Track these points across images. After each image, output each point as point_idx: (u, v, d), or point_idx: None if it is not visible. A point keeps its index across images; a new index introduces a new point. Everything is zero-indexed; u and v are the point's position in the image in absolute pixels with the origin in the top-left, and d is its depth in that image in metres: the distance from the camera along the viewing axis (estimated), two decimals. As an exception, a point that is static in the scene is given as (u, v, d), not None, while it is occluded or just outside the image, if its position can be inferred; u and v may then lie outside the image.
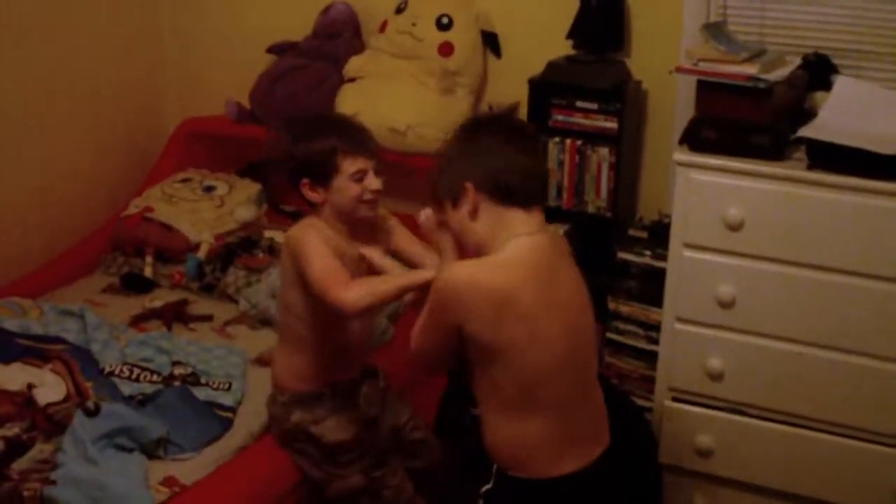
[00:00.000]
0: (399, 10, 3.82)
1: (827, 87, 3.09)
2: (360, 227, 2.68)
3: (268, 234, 3.81)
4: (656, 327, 3.29)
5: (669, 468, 3.27)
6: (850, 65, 3.26)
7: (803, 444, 3.05)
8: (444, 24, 3.71)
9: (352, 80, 3.83)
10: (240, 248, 3.76)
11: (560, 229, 3.32)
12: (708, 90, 2.99)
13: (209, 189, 4.01)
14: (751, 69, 2.92)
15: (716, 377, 3.08)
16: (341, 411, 2.73)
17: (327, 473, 2.72)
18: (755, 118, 2.93)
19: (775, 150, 2.93)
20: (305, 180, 2.61)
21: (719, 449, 3.14)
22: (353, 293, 2.41)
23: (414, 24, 3.75)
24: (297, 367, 2.72)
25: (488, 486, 2.41)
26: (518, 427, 2.33)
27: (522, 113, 3.57)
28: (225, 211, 3.93)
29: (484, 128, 2.39)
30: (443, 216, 2.39)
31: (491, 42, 3.78)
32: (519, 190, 2.30)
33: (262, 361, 3.14)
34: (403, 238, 2.81)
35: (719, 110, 2.96)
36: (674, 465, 3.25)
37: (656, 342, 3.27)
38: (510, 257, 2.26)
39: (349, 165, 2.58)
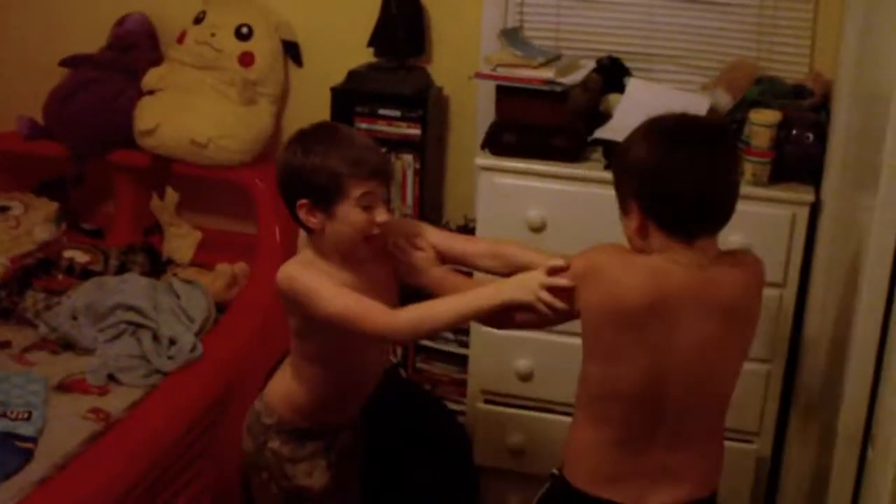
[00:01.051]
0: (197, 21, 3.75)
1: (620, 89, 3.19)
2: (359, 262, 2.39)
3: (67, 254, 3.68)
4: (466, 331, 3.32)
5: (484, 469, 3.30)
6: (641, 67, 3.37)
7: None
8: (243, 34, 3.66)
9: (151, 92, 3.73)
10: (38, 269, 3.61)
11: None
12: (507, 95, 3.05)
13: (3, 209, 3.84)
14: (547, 73, 2.99)
15: (525, 377, 3.14)
16: (319, 456, 2.54)
17: None
18: (553, 121, 3.01)
19: (573, 151, 3.01)
20: (304, 201, 2.28)
21: (531, 447, 3.20)
22: (393, 327, 2.24)
23: (213, 35, 3.68)
24: (295, 397, 2.50)
25: (546, 488, 2.34)
26: (586, 432, 2.19)
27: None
28: (21, 232, 3.77)
29: (674, 138, 2.05)
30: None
31: (292, 51, 3.75)
32: (688, 221, 2.04)
33: (65, 387, 3.02)
34: (439, 237, 2.50)
35: (518, 114, 3.02)
36: (488, 466, 3.29)
37: (466, 346, 3.30)
38: (639, 270, 2.06)
39: (356, 189, 2.26)
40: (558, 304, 2.13)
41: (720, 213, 2.04)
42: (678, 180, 2.00)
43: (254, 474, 2.59)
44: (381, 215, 2.29)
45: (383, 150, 3.44)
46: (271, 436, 2.52)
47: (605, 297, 2.06)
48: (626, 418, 2.12)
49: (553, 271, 2.14)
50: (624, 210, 2.11)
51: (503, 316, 2.22)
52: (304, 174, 2.26)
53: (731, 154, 2.21)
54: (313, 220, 2.29)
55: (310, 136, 2.32)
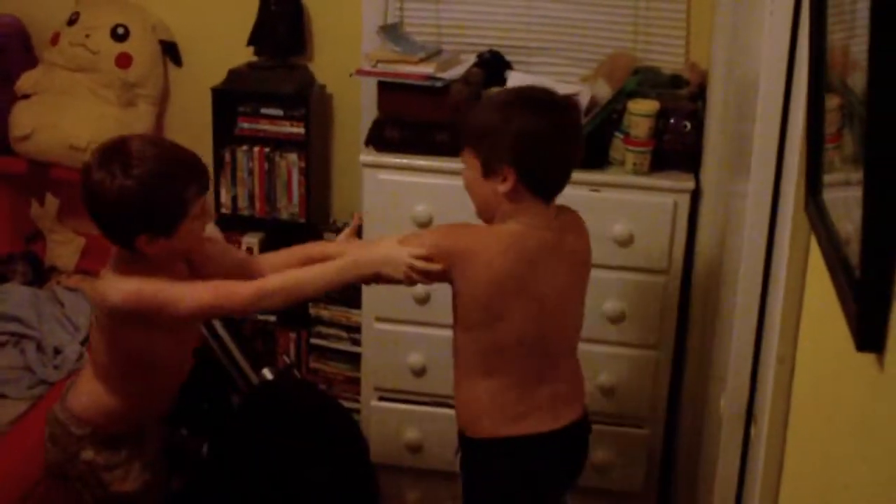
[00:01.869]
0: (71, 22, 3.66)
1: (502, 82, 3.21)
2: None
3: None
4: (358, 329, 3.32)
5: (382, 467, 3.30)
6: (522, 60, 3.39)
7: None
8: (119, 35, 3.58)
9: (26, 96, 3.64)
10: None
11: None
12: (388, 91, 3.05)
13: None
14: (427, 69, 2.99)
15: (418, 372, 3.15)
16: (134, 458, 2.47)
17: None
18: (435, 116, 3.01)
19: (456, 146, 3.01)
20: (143, 237, 2.17)
21: (427, 442, 3.21)
22: (259, 294, 2.23)
23: (88, 36, 3.60)
24: (109, 405, 2.41)
25: (459, 455, 2.44)
26: (480, 383, 2.33)
27: (206, 122, 3.51)
28: None
29: (543, 110, 2.24)
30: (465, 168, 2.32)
31: (170, 52, 3.69)
32: (552, 183, 2.28)
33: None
34: (221, 250, 2.54)
35: (400, 110, 3.03)
36: (386, 464, 3.29)
37: (359, 343, 3.30)
38: (498, 239, 2.25)
39: (196, 206, 2.21)
40: (427, 280, 2.28)
41: (570, 175, 2.30)
42: (555, 147, 2.24)
43: (61, 485, 2.51)
44: (209, 220, 2.31)
45: (266, 149, 3.47)
46: (84, 446, 2.43)
47: (482, 271, 2.23)
48: (514, 364, 2.31)
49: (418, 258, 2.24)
50: (491, 174, 2.24)
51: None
52: (144, 208, 2.14)
53: (580, 125, 2.49)
54: (153, 248, 2.20)
55: (134, 161, 2.14)
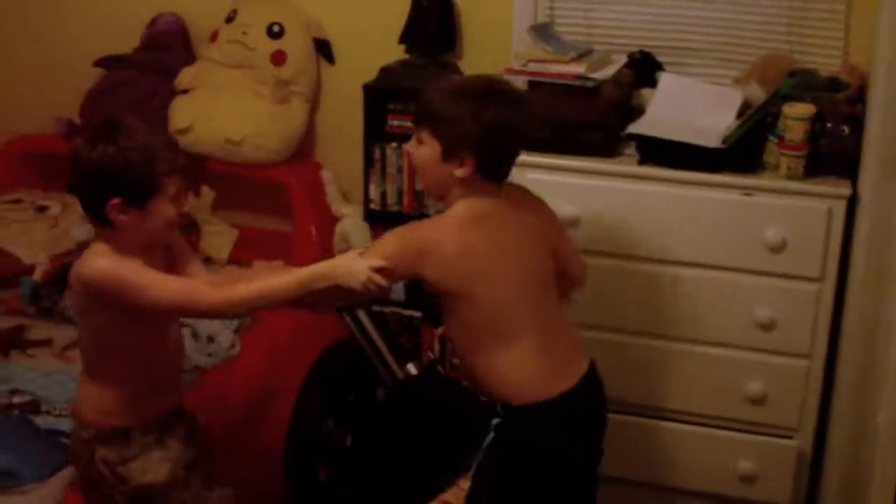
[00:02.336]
0: (229, 20, 3.77)
1: (653, 83, 3.18)
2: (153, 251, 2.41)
3: (104, 253, 3.72)
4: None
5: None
6: (673, 61, 3.35)
7: (650, 433, 3.14)
8: (275, 33, 3.67)
9: (184, 91, 3.76)
10: (76, 268, 3.65)
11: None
12: (538, 90, 3.04)
13: (42, 209, 3.89)
14: (578, 68, 2.98)
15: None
16: (151, 450, 2.46)
17: None
18: (585, 116, 3.00)
19: (606, 146, 3.01)
20: (116, 200, 2.23)
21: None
22: (224, 301, 2.29)
23: (245, 33, 3.70)
24: (105, 401, 2.43)
25: (498, 420, 2.51)
26: (502, 358, 2.47)
27: (357, 119, 3.56)
28: (59, 231, 3.82)
29: (511, 107, 2.43)
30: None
31: (324, 49, 3.76)
32: (506, 169, 2.50)
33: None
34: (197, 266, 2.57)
35: (550, 110, 3.01)
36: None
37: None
38: (456, 222, 2.44)
39: (171, 186, 2.28)
40: (385, 284, 2.38)
41: (516, 155, 2.51)
42: (514, 141, 2.47)
43: (95, 495, 2.50)
44: (183, 206, 2.35)
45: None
46: (95, 447, 2.43)
47: (450, 251, 2.39)
48: (519, 327, 2.46)
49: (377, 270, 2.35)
50: (450, 158, 2.40)
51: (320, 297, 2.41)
52: (120, 172, 2.22)
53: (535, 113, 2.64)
54: (123, 218, 2.25)
55: (116, 133, 2.25)
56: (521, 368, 2.48)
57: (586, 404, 2.56)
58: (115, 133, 2.24)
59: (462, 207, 2.45)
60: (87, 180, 2.27)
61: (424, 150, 2.45)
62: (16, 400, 2.94)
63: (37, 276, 3.60)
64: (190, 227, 3.89)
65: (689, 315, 3.00)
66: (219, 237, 3.82)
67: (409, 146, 2.53)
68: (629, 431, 3.12)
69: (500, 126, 2.39)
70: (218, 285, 2.34)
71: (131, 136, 2.24)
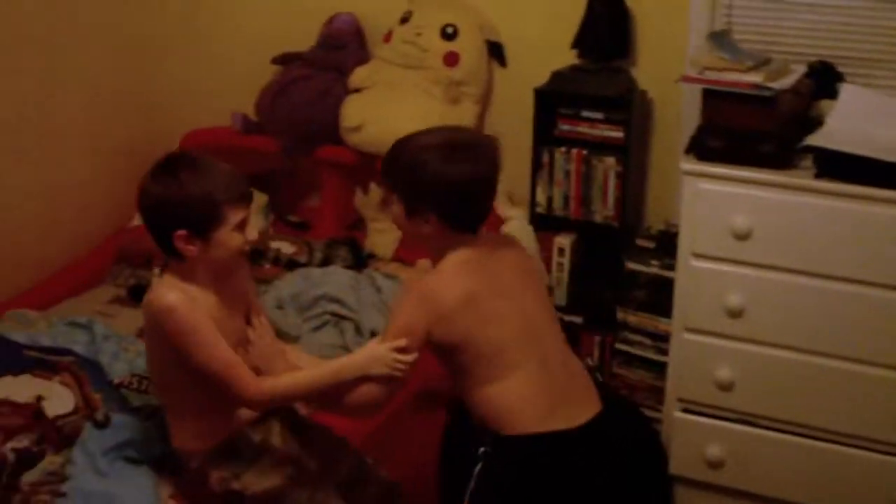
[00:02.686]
0: (404, 20, 3.82)
1: (833, 95, 3.09)
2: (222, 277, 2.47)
3: (274, 244, 3.81)
4: (665, 337, 3.30)
5: (679, 480, 3.25)
6: (855, 72, 3.25)
7: (813, 454, 3.04)
8: (448, 34, 3.70)
9: (357, 90, 3.82)
10: (246, 258, 3.74)
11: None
12: (714, 99, 2.98)
13: (216, 201, 4.00)
14: (756, 77, 2.91)
15: (725, 387, 3.07)
16: (260, 458, 2.46)
17: None
18: (761, 126, 2.92)
19: (782, 158, 2.93)
20: (181, 232, 2.31)
21: (730, 460, 3.13)
22: (261, 397, 2.40)
23: (419, 34, 3.74)
24: (199, 429, 2.47)
25: (486, 448, 2.51)
26: (498, 389, 2.49)
27: (527, 122, 3.57)
28: (231, 222, 3.91)
29: (457, 156, 2.46)
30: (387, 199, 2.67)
31: (496, 52, 3.77)
32: (475, 220, 2.54)
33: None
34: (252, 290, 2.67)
35: (725, 119, 2.96)
36: (684, 477, 3.24)
37: (665, 352, 3.27)
38: (452, 269, 2.50)
39: (234, 216, 2.34)
40: (410, 365, 2.45)
41: (487, 203, 2.56)
42: (470, 192, 2.48)
43: None
44: (251, 234, 2.42)
45: (584, 152, 3.48)
46: (206, 471, 2.44)
47: (461, 306, 2.46)
48: (518, 362, 2.49)
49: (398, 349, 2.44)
50: (413, 215, 2.48)
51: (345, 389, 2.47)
52: (181, 205, 2.30)
53: (497, 161, 2.66)
54: (189, 249, 2.32)
55: (178, 166, 2.35)
56: (516, 399, 2.49)
57: (582, 449, 2.54)
58: (176, 167, 2.34)
59: (451, 258, 2.50)
60: (152, 213, 2.36)
61: (393, 208, 2.55)
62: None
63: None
64: (357, 224, 3.96)
65: (862, 336, 2.90)
66: (384, 235, 3.87)
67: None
68: (793, 450, 3.04)
69: (457, 183, 2.43)
70: (260, 380, 2.41)
71: (191, 169, 2.33)
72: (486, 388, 2.50)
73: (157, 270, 3.68)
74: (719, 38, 3.12)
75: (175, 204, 2.31)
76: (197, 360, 2.33)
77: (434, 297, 2.47)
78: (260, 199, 4.03)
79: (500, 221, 3.65)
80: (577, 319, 3.62)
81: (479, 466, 2.52)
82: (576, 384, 2.62)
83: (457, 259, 2.50)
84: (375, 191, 3.88)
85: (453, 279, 2.49)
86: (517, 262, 2.64)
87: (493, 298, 2.50)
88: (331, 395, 2.48)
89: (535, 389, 2.50)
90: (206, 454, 2.45)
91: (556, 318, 2.70)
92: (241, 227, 2.38)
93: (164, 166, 2.37)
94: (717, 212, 2.93)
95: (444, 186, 2.43)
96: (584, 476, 2.55)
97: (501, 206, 3.67)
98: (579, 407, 2.56)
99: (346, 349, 3.24)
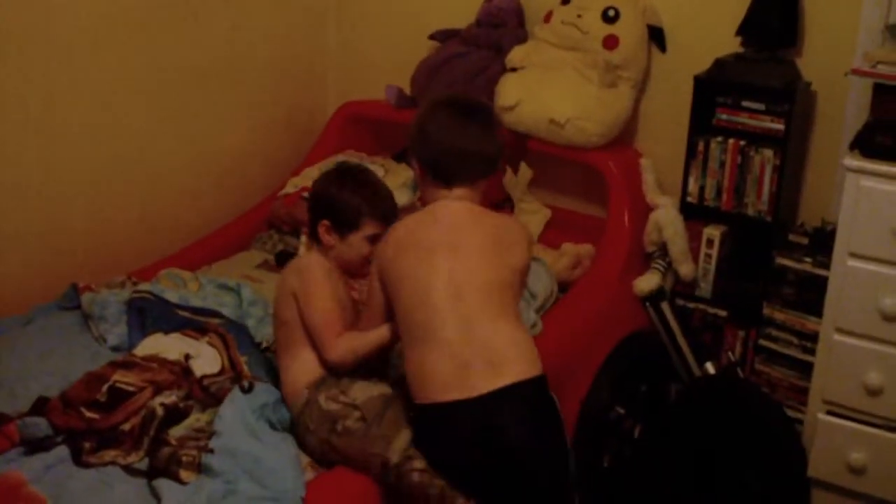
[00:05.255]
0: (565, 1, 3.79)
1: None
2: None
3: (420, 220, 3.83)
4: (812, 337, 3.22)
5: (818, 483, 3.17)
6: None
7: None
8: (610, 17, 3.66)
9: (514, 69, 3.81)
10: (393, 232, 3.79)
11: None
12: (885, 94, 2.89)
13: (366, 172, 4.04)
14: (932, 74, 2.81)
15: (874, 392, 2.98)
16: (365, 376, 2.71)
17: (376, 438, 2.53)
18: (937, 125, 2.82)
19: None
20: (326, 222, 2.79)
21: (873, 467, 3.04)
22: (339, 351, 2.67)
23: (579, 16, 3.71)
24: (308, 366, 2.71)
25: (412, 414, 2.58)
26: (413, 356, 2.53)
27: (684, 109, 3.51)
28: (380, 195, 3.96)
29: (441, 110, 2.68)
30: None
31: (656, 36, 3.71)
32: (452, 173, 2.65)
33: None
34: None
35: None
36: (823, 481, 3.16)
37: (811, 352, 3.20)
38: (412, 215, 2.72)
39: (369, 228, 2.78)
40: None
41: (471, 167, 2.66)
42: (447, 141, 2.63)
43: (334, 442, 2.59)
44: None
45: (741, 142, 3.41)
46: (315, 397, 2.65)
47: (383, 247, 2.65)
48: (435, 328, 2.50)
49: None
50: (410, 162, 2.77)
51: None
52: (335, 203, 2.78)
53: (487, 124, 2.73)
54: (327, 238, 2.79)
55: (347, 175, 2.85)
56: (424, 368, 2.49)
57: (482, 416, 2.44)
58: (346, 174, 2.86)
59: (427, 208, 2.70)
60: (313, 200, 2.87)
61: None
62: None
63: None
64: (503, 203, 3.96)
65: None
66: (532, 216, 3.86)
67: None
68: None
69: (430, 128, 2.65)
70: (347, 338, 2.70)
71: (354, 180, 2.82)
72: (408, 354, 2.55)
73: (303, 238, 3.76)
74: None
75: (330, 201, 2.80)
76: (307, 310, 2.71)
77: (387, 235, 2.70)
78: (408, 173, 4.06)
79: (650, 209, 3.61)
80: (722, 313, 3.56)
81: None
82: (488, 355, 2.48)
83: (425, 209, 2.69)
84: (525, 171, 3.87)
85: (403, 221, 2.69)
86: (493, 232, 2.64)
87: (431, 252, 2.56)
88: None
89: (445, 360, 2.47)
90: (312, 383, 2.68)
91: (503, 287, 2.60)
92: (373, 240, 2.78)
93: (339, 170, 2.90)
94: (880, 211, 2.84)
95: (421, 130, 2.67)
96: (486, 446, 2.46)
97: (652, 194, 3.63)
98: (487, 377, 2.45)
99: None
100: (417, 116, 2.72)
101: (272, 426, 2.66)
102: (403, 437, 2.52)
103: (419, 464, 2.47)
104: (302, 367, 2.72)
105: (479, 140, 2.67)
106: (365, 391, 2.64)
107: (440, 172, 2.65)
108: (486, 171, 2.70)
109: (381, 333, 2.68)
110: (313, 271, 2.76)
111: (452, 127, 2.64)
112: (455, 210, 2.64)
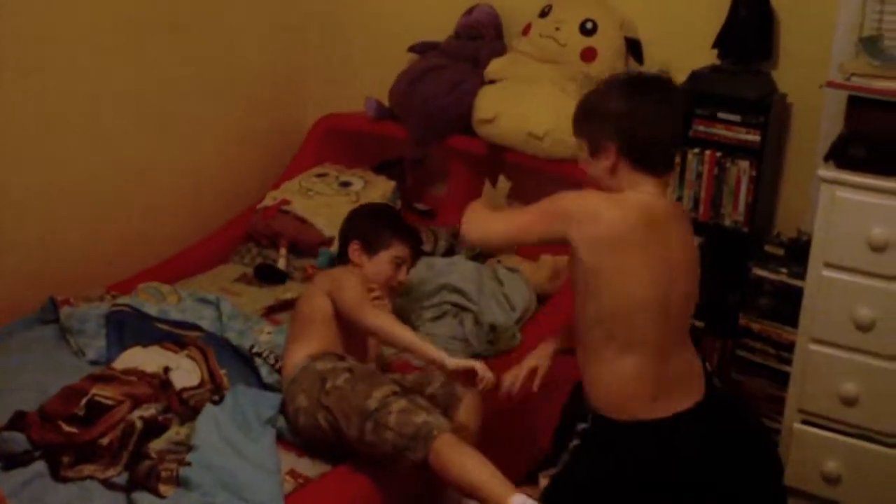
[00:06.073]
0: (543, 14, 3.81)
1: None
2: None
3: (401, 231, 3.84)
4: (788, 347, 3.25)
5: (794, 492, 3.19)
6: None
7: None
8: (587, 30, 3.68)
9: (492, 81, 3.82)
10: (372, 244, 3.79)
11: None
12: (859, 106, 2.92)
13: (345, 184, 4.06)
14: (905, 86, 2.84)
15: (849, 402, 3.01)
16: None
17: (359, 392, 2.60)
18: (908, 136, 2.85)
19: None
20: (357, 243, 3.06)
21: (848, 476, 3.07)
22: (379, 319, 2.78)
23: (557, 29, 3.73)
24: (312, 347, 2.81)
25: (585, 426, 2.47)
26: (616, 367, 2.40)
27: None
28: (359, 206, 3.96)
29: (641, 91, 2.44)
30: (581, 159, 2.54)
31: (634, 49, 3.73)
32: (658, 161, 2.43)
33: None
34: None
35: (870, 127, 2.89)
36: (799, 489, 3.17)
37: (787, 362, 3.22)
38: (629, 203, 2.39)
39: (396, 249, 3.06)
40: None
41: (673, 154, 2.51)
42: (650, 123, 2.39)
43: (324, 402, 2.65)
44: (402, 275, 3.10)
45: (718, 154, 3.43)
46: (312, 366, 2.74)
47: (603, 230, 2.34)
48: (645, 337, 2.38)
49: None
50: (596, 153, 2.44)
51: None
52: (369, 224, 3.09)
53: (682, 104, 2.64)
54: (357, 257, 3.06)
55: (380, 206, 3.40)
56: (630, 385, 2.40)
57: (683, 436, 2.46)
58: (377, 206, 3.33)
59: (628, 194, 2.41)
60: (347, 224, 3.15)
61: (580, 155, 2.52)
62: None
63: (334, 247, 3.74)
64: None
65: None
66: (509, 227, 3.86)
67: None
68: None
69: (629, 110, 2.39)
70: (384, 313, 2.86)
71: (387, 210, 3.30)
72: (601, 362, 2.42)
73: (283, 251, 3.76)
74: (869, 44, 3.04)
75: (364, 223, 3.11)
76: (340, 294, 2.85)
77: (580, 210, 2.39)
78: (387, 185, 4.07)
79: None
80: (699, 324, 3.57)
81: (574, 442, 2.49)
82: (686, 371, 2.50)
83: (635, 199, 2.39)
84: (504, 183, 3.87)
85: (624, 209, 2.37)
86: (686, 237, 2.51)
87: (646, 253, 2.37)
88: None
89: (651, 376, 2.40)
90: (310, 357, 2.79)
91: (693, 302, 2.54)
92: (398, 263, 3.06)
93: (372, 204, 3.47)
94: (854, 222, 2.86)
95: (620, 114, 2.40)
96: (685, 468, 2.48)
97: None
98: (684, 394, 2.46)
99: (465, 341, 3.25)
100: (611, 93, 2.46)
101: (252, 428, 2.66)
102: (385, 389, 2.60)
103: (396, 406, 2.54)
104: (307, 348, 2.82)
105: (680, 125, 2.56)
106: (359, 363, 2.83)
107: (650, 162, 2.42)
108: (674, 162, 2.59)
109: (412, 336, 2.74)
110: (348, 272, 2.98)
111: (662, 111, 2.42)
112: (666, 210, 2.43)
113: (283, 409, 2.76)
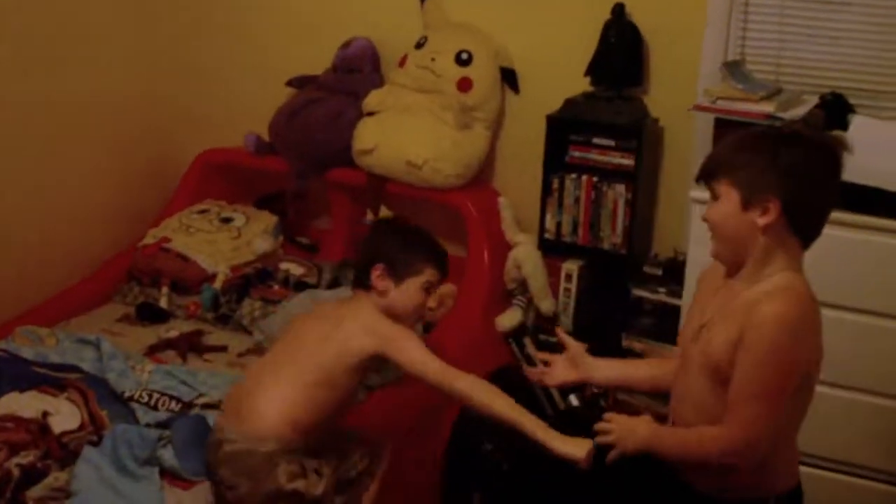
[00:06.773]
0: (419, 45, 3.84)
1: (843, 126, 3.10)
2: None
3: (284, 266, 3.82)
4: (672, 365, 3.29)
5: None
6: (866, 104, 3.26)
7: (843, 488, 3.06)
8: (463, 60, 3.73)
9: (371, 113, 3.84)
10: (255, 279, 3.77)
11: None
12: (726, 128, 3.00)
13: (226, 220, 4.02)
14: (768, 108, 2.94)
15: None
16: (320, 456, 2.59)
17: None
18: (772, 157, 2.92)
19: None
20: (381, 266, 2.61)
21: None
22: (476, 388, 2.55)
23: (433, 59, 3.76)
24: (303, 421, 2.54)
25: None
26: (791, 443, 2.39)
27: (538, 148, 3.59)
28: (242, 242, 3.94)
29: (822, 156, 2.21)
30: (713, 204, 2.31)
31: (509, 78, 3.79)
32: (816, 230, 2.25)
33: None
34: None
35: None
36: None
37: (668, 380, 3.26)
38: (804, 291, 2.23)
39: (428, 274, 2.66)
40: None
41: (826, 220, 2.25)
42: (821, 184, 2.19)
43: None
44: (432, 301, 2.80)
45: (594, 178, 3.49)
46: (276, 462, 2.49)
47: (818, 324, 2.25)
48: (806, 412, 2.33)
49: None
50: (751, 206, 2.19)
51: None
52: (397, 245, 2.65)
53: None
54: (381, 283, 2.60)
55: (408, 224, 2.83)
56: (790, 456, 2.41)
57: None
58: (405, 224, 2.84)
59: (796, 278, 2.23)
60: (368, 245, 2.74)
61: (720, 205, 2.27)
62: (199, 401, 3.02)
63: (217, 284, 3.72)
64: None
65: (889, 367, 2.92)
66: (393, 258, 3.88)
67: (705, 211, 2.35)
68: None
69: (805, 165, 2.17)
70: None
71: (417, 229, 2.78)
72: (785, 448, 2.37)
73: (165, 290, 3.71)
74: (733, 68, 3.14)
75: (391, 244, 2.66)
76: (413, 359, 2.57)
77: (811, 323, 2.23)
78: (269, 220, 4.05)
79: (509, 247, 3.66)
80: (584, 346, 3.61)
81: None
82: None
83: (804, 287, 2.23)
84: (385, 214, 3.89)
85: (814, 303, 2.23)
86: None
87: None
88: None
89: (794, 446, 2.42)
90: (284, 444, 2.49)
91: None
92: (429, 289, 2.67)
93: (397, 221, 2.98)
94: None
95: (794, 168, 2.16)
96: None
97: (510, 231, 3.68)
98: None
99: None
100: (788, 148, 2.20)
101: (133, 468, 2.62)
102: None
103: None
104: (299, 410, 2.53)
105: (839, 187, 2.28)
106: (317, 485, 2.53)
107: (809, 230, 2.24)
108: None
109: (513, 409, 2.57)
110: (398, 328, 2.58)
111: (834, 181, 2.23)
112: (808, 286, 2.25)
113: (220, 457, 2.53)
